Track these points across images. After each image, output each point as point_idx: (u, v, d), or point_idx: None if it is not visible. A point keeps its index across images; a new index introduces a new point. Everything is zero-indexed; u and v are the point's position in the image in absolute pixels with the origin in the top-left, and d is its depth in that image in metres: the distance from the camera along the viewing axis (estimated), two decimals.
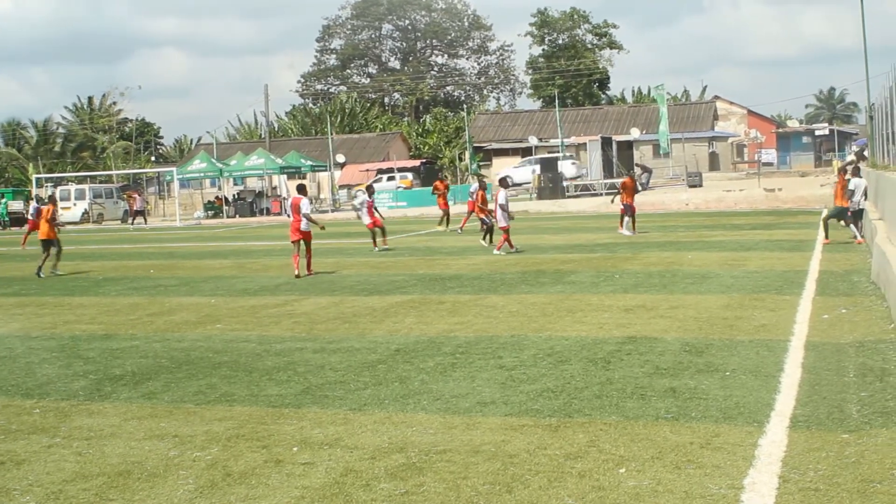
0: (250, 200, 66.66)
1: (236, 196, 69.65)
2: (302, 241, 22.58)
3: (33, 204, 42.79)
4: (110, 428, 9.23)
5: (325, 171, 72.46)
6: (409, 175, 77.26)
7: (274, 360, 12.33)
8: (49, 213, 26.09)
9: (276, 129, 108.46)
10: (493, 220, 27.77)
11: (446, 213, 38.30)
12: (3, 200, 71.06)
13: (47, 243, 25.79)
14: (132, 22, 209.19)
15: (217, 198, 69.70)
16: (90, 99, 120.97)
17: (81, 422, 9.56)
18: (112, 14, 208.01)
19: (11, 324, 16.85)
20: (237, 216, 64.21)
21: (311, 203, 26.54)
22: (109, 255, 33.46)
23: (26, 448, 8.68)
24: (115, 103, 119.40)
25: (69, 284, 23.41)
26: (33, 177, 73.69)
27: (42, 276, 25.25)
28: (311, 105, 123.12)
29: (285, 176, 70.75)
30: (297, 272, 22.29)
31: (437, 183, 40.86)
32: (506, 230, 25.71)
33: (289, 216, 24.33)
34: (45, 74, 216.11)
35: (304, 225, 22.60)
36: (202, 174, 68.96)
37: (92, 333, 15.25)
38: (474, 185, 34.63)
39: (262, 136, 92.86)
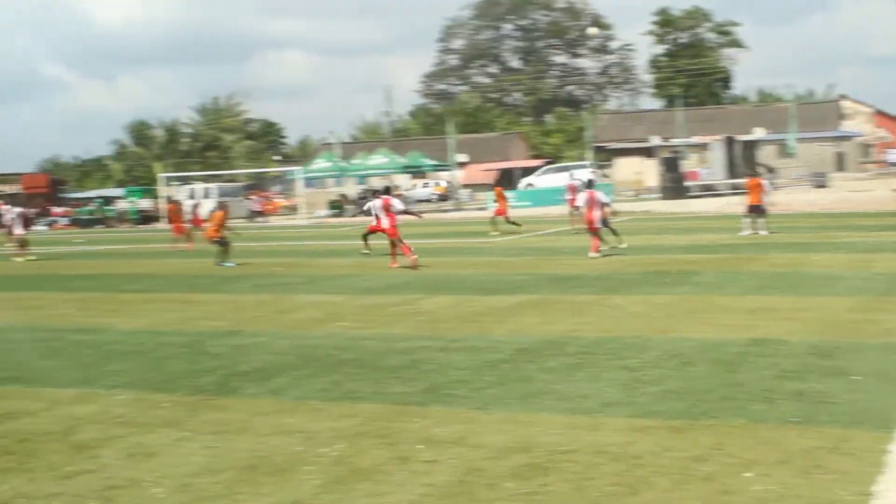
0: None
1: (359, 195, 70.26)
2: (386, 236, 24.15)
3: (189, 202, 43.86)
4: (238, 423, 9.37)
5: (447, 170, 72.73)
6: (443, 182, 77.56)
7: (398, 358, 12.39)
8: (221, 217, 28.63)
9: (399, 128, 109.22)
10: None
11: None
12: (133, 198, 72.79)
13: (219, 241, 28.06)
14: (256, 23, 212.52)
15: (340, 196, 70.43)
16: (216, 100, 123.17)
17: (209, 416, 9.72)
18: (236, 15, 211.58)
19: (141, 319, 17.22)
20: (361, 215, 64.69)
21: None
22: (236, 253, 33.97)
23: (156, 441, 8.85)
24: (240, 104, 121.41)
25: (194, 281, 23.86)
26: (160, 176, 75.30)
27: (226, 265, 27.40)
28: (432, 105, 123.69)
29: (408, 175, 71.22)
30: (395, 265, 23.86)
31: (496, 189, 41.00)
32: (595, 230, 25.36)
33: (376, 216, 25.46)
34: (171, 76, 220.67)
35: (385, 223, 24.29)
36: (326, 173, 69.75)
37: (218, 330, 15.51)
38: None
39: (385, 135, 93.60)
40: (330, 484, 7.39)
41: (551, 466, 7.62)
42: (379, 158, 67.02)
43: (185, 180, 79.09)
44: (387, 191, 27.20)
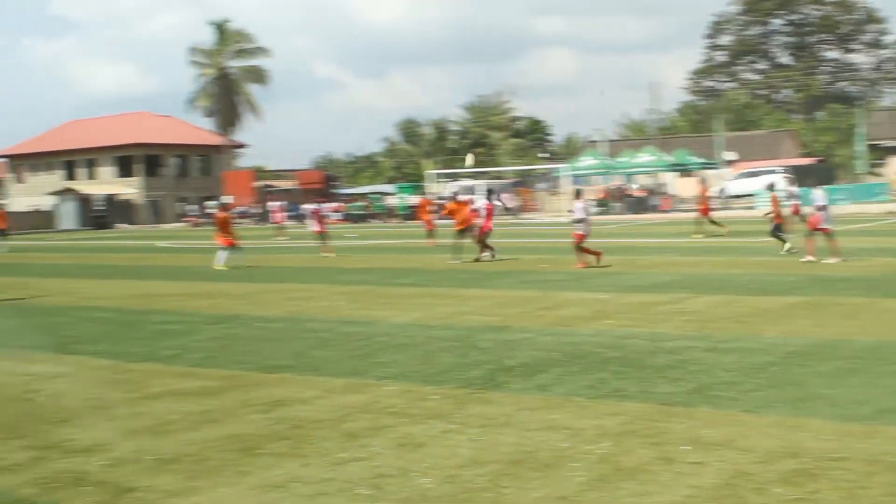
0: (639, 197, 66.71)
1: (626, 193, 69.90)
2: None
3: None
4: (504, 417, 9.47)
5: (714, 168, 71.49)
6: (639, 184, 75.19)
7: (664, 357, 12.26)
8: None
9: (665, 126, 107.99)
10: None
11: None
12: (402, 194, 74.58)
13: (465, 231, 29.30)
14: (523, 21, 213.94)
15: (606, 194, 70.23)
16: (483, 97, 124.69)
17: (476, 410, 9.85)
18: (503, 14, 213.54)
19: (412, 313, 17.62)
20: (627, 213, 64.41)
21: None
22: (502, 249, 34.31)
23: (425, 432, 9.04)
24: (506, 102, 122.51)
25: (461, 276, 24.23)
26: (428, 173, 76.70)
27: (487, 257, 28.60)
28: (699, 102, 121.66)
29: (675, 174, 70.36)
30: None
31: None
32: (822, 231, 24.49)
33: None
34: (440, 74, 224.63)
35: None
36: (592, 171, 69.69)
37: (486, 324, 15.71)
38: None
39: (651, 133, 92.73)
40: (595, 482, 7.38)
41: (821, 473, 7.39)
42: (645, 156, 66.45)
43: (452, 177, 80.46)
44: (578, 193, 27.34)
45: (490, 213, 30.16)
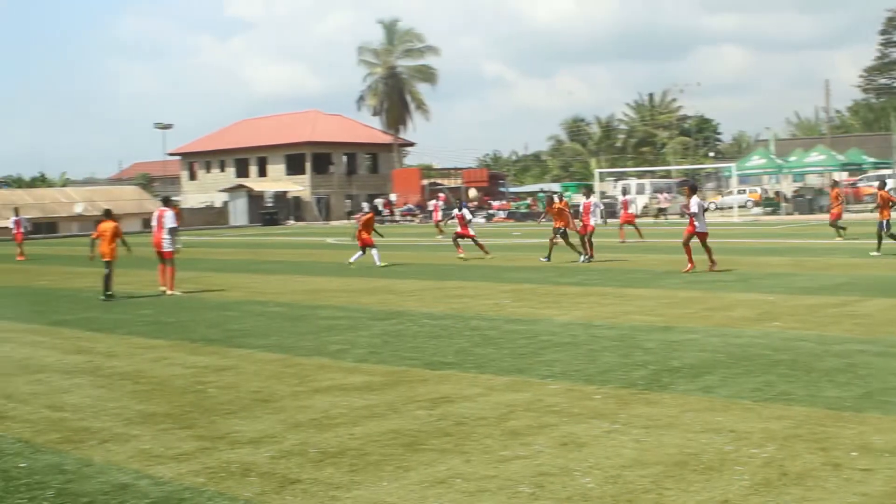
0: (809, 197, 65.24)
1: (795, 193, 68.43)
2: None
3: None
4: (667, 418, 9.38)
5: (889, 168, 69.38)
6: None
7: (833, 361, 11.97)
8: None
9: (837, 124, 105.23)
10: None
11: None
12: (568, 193, 74.32)
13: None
14: (692, 19, 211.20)
15: (776, 193, 68.88)
16: (650, 96, 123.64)
17: (640, 410, 9.78)
18: (672, 12, 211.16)
19: (575, 312, 17.58)
20: (796, 213, 63.07)
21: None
22: (668, 248, 33.98)
23: (587, 431, 9.00)
24: (674, 100, 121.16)
25: (628, 276, 24.05)
26: (595, 171, 76.30)
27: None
28: (873, 100, 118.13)
29: (846, 173, 68.57)
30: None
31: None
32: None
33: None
34: (607, 73, 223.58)
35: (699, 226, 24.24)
36: (760, 170, 68.44)
37: (651, 325, 15.58)
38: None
39: (823, 132, 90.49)
40: (759, 486, 7.25)
41: None
42: (816, 155, 64.92)
43: (619, 176, 79.88)
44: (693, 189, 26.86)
45: (587, 212, 30.18)
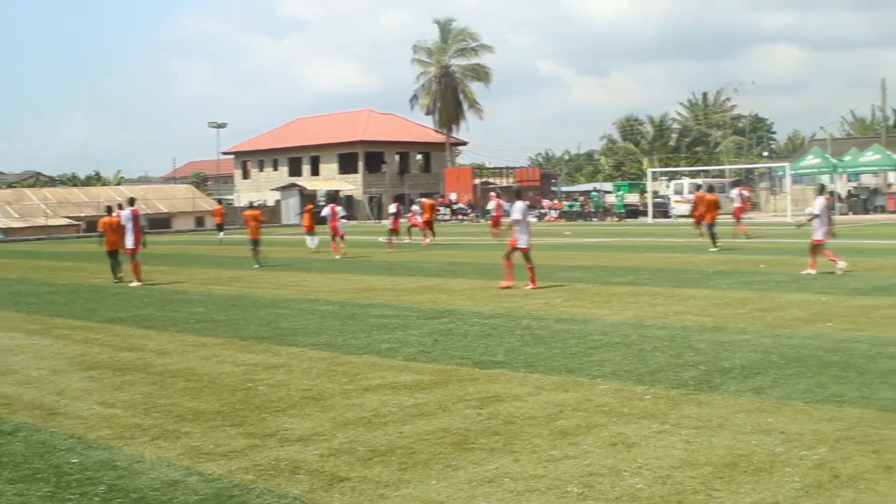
0: (864, 197, 64.60)
1: (850, 192, 67.76)
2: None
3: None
4: (718, 419, 9.32)
5: None
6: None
7: (887, 362, 11.84)
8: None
9: (893, 124, 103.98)
10: None
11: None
12: (620, 193, 74.11)
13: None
14: (746, 17, 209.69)
15: (831, 194, 68.27)
16: (704, 95, 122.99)
17: (690, 411, 9.73)
18: (726, 10, 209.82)
19: (626, 311, 17.51)
20: (850, 213, 62.45)
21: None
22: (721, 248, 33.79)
23: (637, 432, 8.98)
24: (728, 99, 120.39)
25: (680, 276, 23.91)
26: (648, 170, 75.94)
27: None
28: None
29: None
30: None
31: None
32: None
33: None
34: (660, 71, 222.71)
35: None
36: (815, 170, 67.81)
37: (702, 325, 15.49)
38: None
39: (878, 131, 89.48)
40: (810, 488, 7.19)
41: None
42: (871, 155, 64.22)
43: (672, 175, 79.43)
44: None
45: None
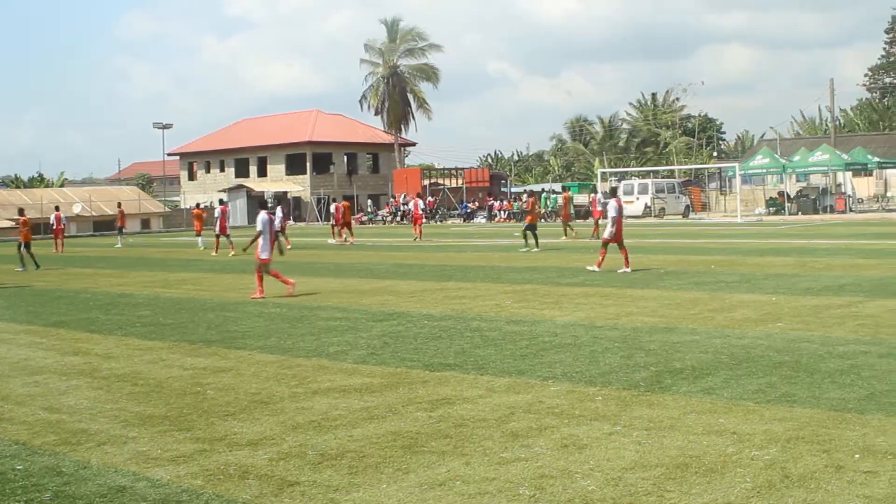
0: (813, 197, 65.21)
1: (799, 192, 68.38)
2: None
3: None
4: (669, 420, 9.31)
5: (895, 167, 69.43)
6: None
7: (837, 362, 11.90)
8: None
9: (842, 124, 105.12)
10: None
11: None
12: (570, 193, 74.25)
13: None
14: (697, 18, 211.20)
15: (779, 194, 68.84)
16: (654, 95, 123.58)
17: (641, 412, 9.71)
18: (678, 10, 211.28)
19: (577, 312, 17.50)
20: (799, 213, 63.02)
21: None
22: (671, 249, 33.96)
23: (588, 433, 8.94)
24: (677, 99, 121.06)
25: (631, 277, 23.96)
26: (598, 171, 76.25)
27: None
28: (878, 99, 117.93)
29: (850, 173, 68.51)
30: None
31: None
32: None
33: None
34: (611, 72, 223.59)
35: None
36: (764, 170, 68.40)
37: (653, 326, 15.51)
38: None
39: (827, 131, 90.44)
40: (761, 488, 7.18)
41: None
42: (820, 155, 64.83)
43: (621, 175, 79.80)
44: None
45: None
